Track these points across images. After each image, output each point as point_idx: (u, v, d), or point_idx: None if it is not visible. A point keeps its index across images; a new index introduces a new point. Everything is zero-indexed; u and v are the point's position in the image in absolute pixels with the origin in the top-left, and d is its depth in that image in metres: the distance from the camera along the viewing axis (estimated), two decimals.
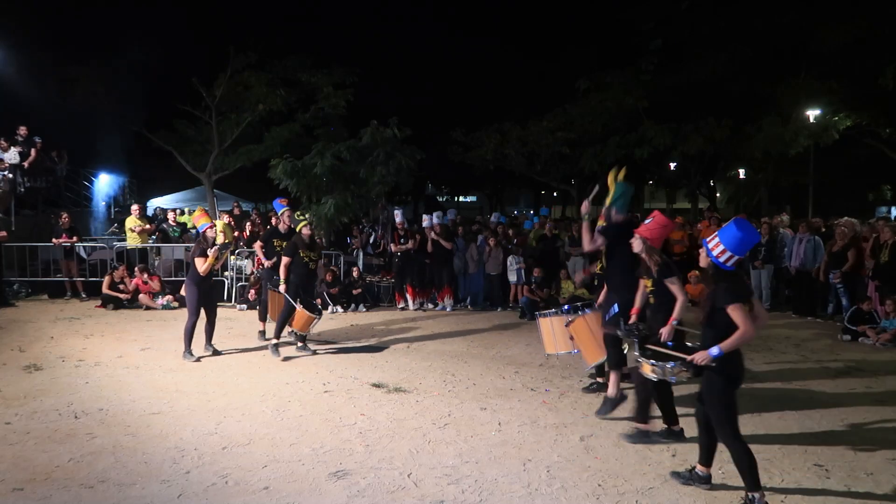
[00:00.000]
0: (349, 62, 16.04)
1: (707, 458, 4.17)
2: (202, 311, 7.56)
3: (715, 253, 3.88)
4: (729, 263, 3.87)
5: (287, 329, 8.05)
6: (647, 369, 4.35)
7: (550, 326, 6.56)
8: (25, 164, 14.68)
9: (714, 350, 3.77)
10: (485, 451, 4.76)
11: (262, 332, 8.83)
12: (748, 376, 6.85)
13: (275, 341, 7.76)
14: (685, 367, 4.07)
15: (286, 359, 7.56)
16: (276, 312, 8.17)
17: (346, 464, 4.49)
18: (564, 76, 20.91)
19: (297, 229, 8.07)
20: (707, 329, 3.92)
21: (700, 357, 3.86)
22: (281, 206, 8.90)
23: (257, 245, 9.50)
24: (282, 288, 7.75)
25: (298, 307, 7.70)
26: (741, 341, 3.74)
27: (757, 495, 3.78)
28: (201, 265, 7.40)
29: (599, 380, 6.41)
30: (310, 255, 7.89)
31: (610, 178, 5.84)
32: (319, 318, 8.03)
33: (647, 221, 5.15)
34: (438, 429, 5.23)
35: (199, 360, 7.40)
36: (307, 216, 12.95)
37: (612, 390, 5.59)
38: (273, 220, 9.65)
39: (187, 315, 7.53)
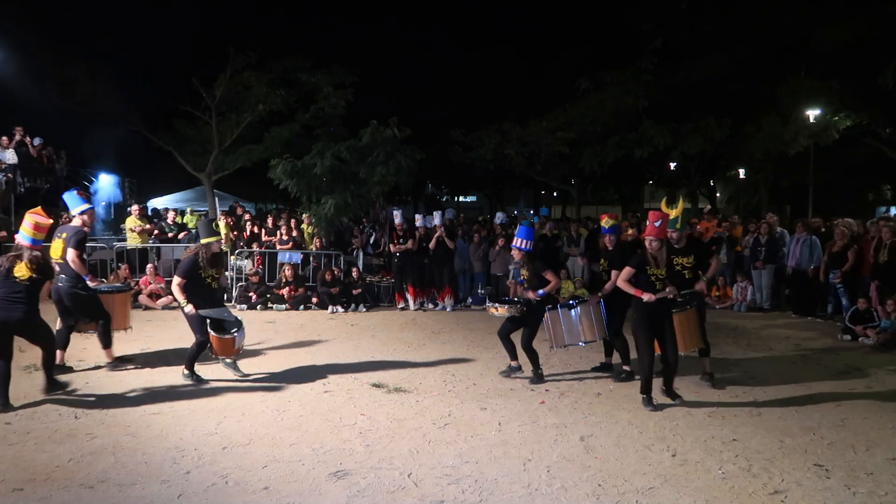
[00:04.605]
0: (349, 62, 16.05)
1: (514, 355, 6.92)
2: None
3: (522, 246, 6.64)
4: (528, 247, 6.65)
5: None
6: (503, 310, 6.73)
7: (550, 322, 7.01)
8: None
9: (540, 291, 6.53)
10: (485, 451, 4.76)
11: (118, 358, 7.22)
12: (747, 376, 6.95)
13: (187, 373, 6.49)
14: (523, 305, 6.63)
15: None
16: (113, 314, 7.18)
17: (346, 464, 4.49)
18: (564, 76, 20.92)
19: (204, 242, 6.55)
20: (532, 283, 6.60)
21: (532, 295, 6.54)
22: (81, 200, 6.96)
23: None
24: (188, 309, 6.35)
25: (212, 334, 6.41)
26: (552, 288, 6.62)
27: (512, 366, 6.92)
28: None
29: (626, 368, 6.87)
30: (211, 272, 6.54)
31: (681, 205, 6.67)
32: (242, 333, 6.65)
33: (656, 224, 5.82)
34: (438, 429, 5.23)
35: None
36: (308, 215, 13.03)
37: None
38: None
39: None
